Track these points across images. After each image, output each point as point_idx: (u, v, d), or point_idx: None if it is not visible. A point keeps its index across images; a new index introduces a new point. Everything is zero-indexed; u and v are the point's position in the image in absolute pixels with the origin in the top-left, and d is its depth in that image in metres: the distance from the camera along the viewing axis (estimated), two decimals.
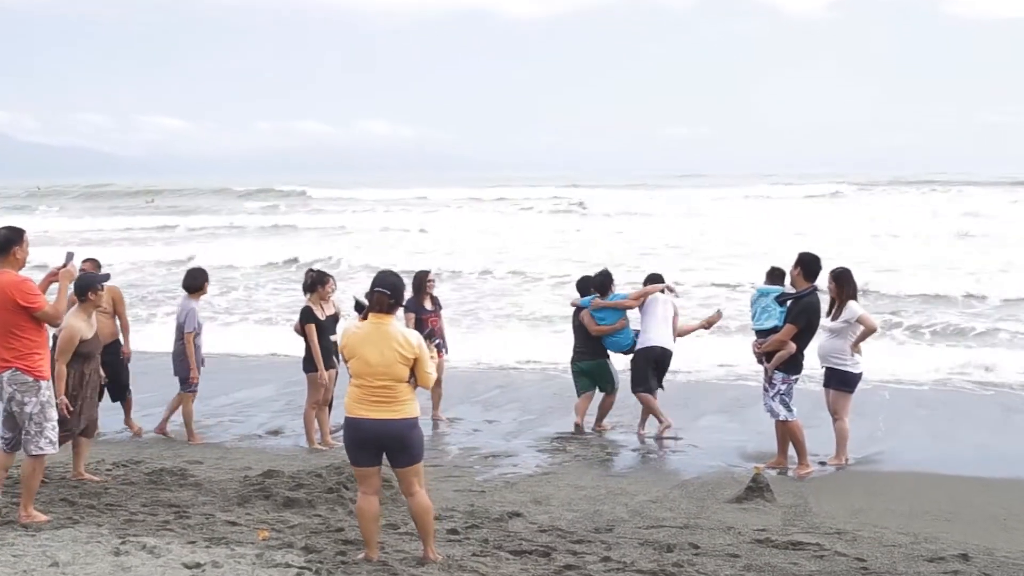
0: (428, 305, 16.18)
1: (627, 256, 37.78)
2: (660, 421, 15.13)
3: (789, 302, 13.09)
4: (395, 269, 9.18)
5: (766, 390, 13.26)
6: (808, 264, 13.04)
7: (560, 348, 18.20)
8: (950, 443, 14.73)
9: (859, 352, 13.38)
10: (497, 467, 13.36)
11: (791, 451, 13.21)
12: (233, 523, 9.90)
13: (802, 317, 12.86)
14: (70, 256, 10.26)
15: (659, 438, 14.98)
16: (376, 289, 8.54)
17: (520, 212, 67.11)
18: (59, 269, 10.06)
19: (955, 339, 22.78)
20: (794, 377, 13.10)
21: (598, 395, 15.77)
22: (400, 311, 9.15)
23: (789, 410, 13.08)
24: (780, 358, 12.95)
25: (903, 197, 70.76)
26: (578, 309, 15.64)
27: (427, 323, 15.60)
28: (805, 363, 13.29)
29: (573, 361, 15.74)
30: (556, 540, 9.64)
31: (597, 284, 15.47)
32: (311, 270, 14.92)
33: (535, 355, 21.56)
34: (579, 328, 15.56)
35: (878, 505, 11.37)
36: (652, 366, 15.22)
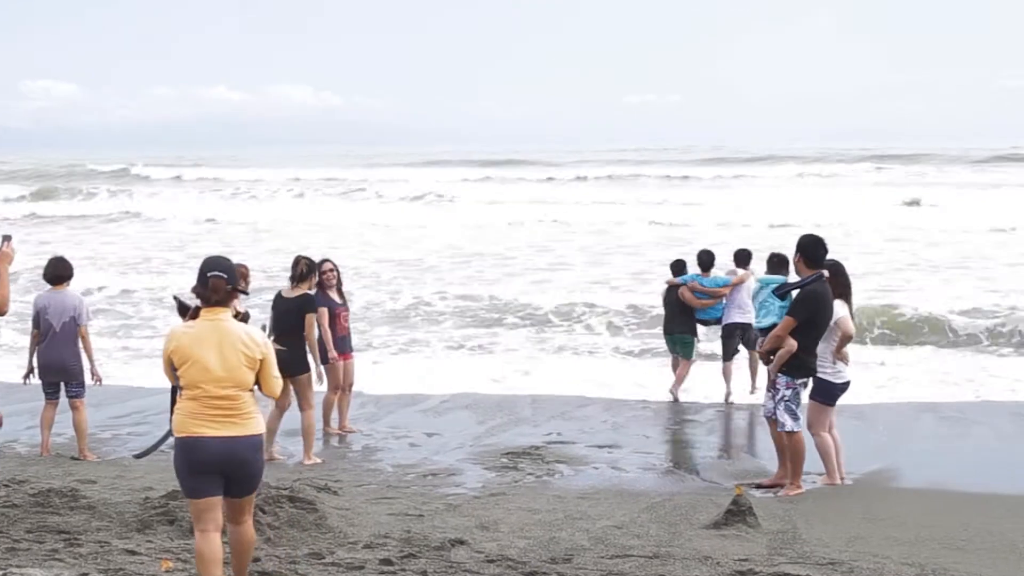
0: (337, 299, 16.12)
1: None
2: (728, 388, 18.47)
3: (793, 293, 12.93)
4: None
5: (771, 396, 13.16)
6: (808, 249, 12.85)
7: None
8: (961, 457, 14.86)
9: (844, 359, 13.28)
10: (438, 487, 13.28)
11: (802, 466, 13.10)
12: (132, 552, 9.78)
13: (801, 309, 12.64)
14: (7, 238, 10.32)
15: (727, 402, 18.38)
16: (210, 273, 8.10)
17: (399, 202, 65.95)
18: None
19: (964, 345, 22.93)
20: (800, 381, 12.90)
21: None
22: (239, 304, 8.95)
23: (796, 419, 12.96)
24: (780, 358, 12.80)
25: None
26: (674, 286, 19.09)
27: (340, 319, 15.93)
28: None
29: (665, 332, 19.41)
30: (506, 571, 9.58)
31: (701, 263, 19.04)
32: (303, 259, 15.22)
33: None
34: (672, 303, 19.09)
35: (878, 531, 11.37)
36: (736, 338, 18.74)
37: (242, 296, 12.83)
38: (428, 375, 20.58)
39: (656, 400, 18.53)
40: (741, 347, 19.01)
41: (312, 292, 15.17)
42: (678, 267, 19.41)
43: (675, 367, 19.18)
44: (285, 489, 11.17)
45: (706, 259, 19.06)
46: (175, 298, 8.54)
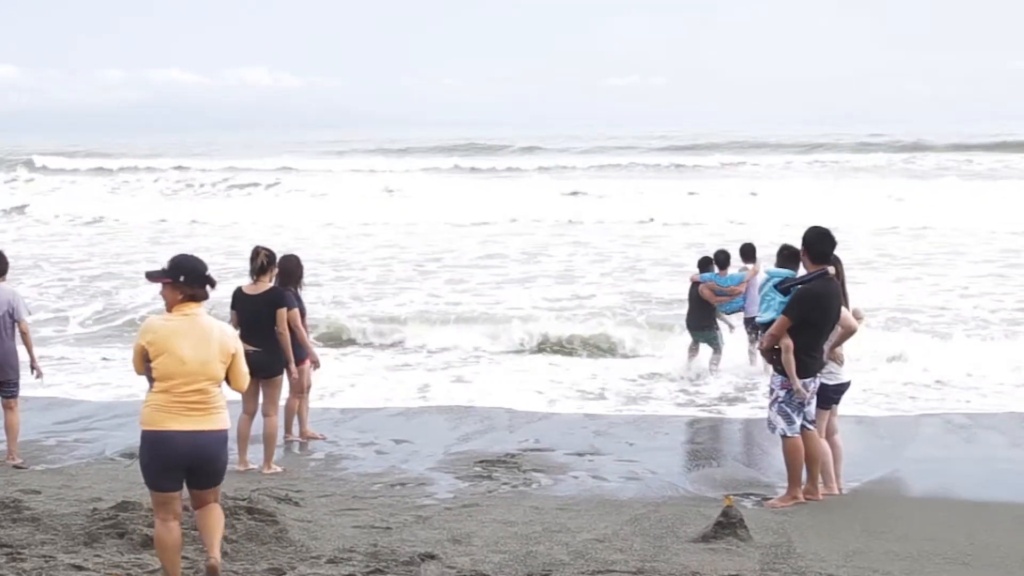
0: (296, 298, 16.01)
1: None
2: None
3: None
4: None
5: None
6: (812, 243, 12.80)
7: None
8: (968, 464, 14.92)
9: (838, 359, 13.27)
10: (407, 497, 13.26)
11: (799, 475, 13.09)
12: (79, 567, 9.75)
13: (795, 308, 12.61)
14: None
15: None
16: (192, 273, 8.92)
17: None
18: None
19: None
20: (799, 381, 12.88)
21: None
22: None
23: (790, 423, 12.93)
24: (788, 363, 12.74)
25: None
26: (696, 283, 21.10)
27: (303, 318, 15.83)
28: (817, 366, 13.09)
29: (689, 327, 21.31)
30: None
31: (718, 262, 21.13)
32: (263, 249, 15.15)
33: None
34: (695, 299, 21.10)
35: (878, 545, 11.40)
36: (752, 331, 20.12)
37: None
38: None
39: (640, 407, 18.56)
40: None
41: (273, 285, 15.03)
42: (704, 264, 21.46)
43: (691, 351, 21.30)
44: (243, 500, 11.15)
45: (723, 258, 21.15)
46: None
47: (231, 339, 8.95)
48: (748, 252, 21.29)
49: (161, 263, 9.44)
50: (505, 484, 13.94)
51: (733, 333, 21.45)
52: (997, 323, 24.34)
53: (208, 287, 8.96)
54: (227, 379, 8.98)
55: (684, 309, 21.58)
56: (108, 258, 39.47)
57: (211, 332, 8.81)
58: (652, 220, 48.27)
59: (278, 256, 15.31)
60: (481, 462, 14.95)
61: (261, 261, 14.80)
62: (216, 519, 9.08)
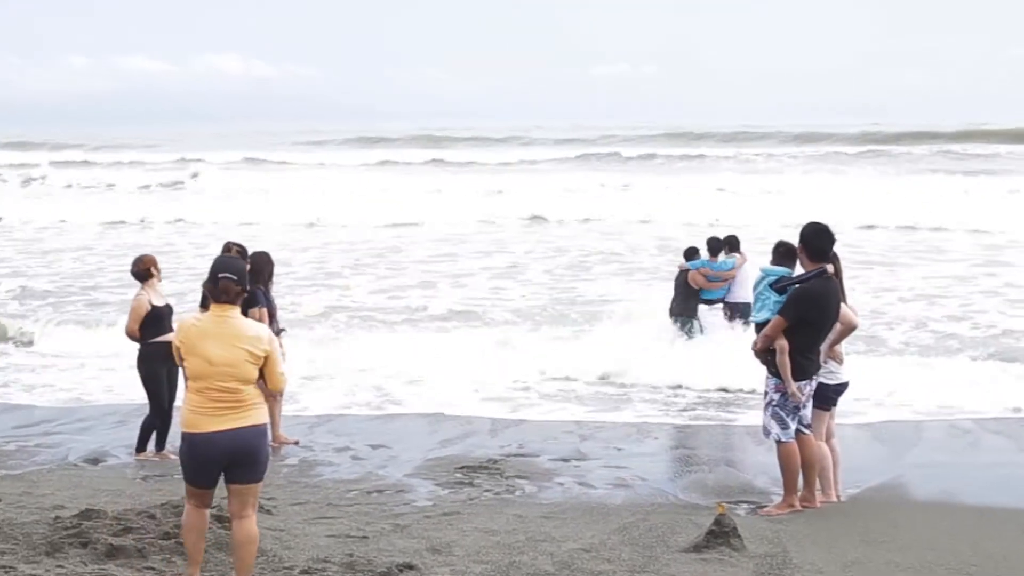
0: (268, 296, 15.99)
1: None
2: None
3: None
4: None
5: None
6: (809, 239, 12.81)
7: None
8: (972, 469, 14.95)
9: (837, 358, 13.27)
10: (384, 505, 13.25)
11: (794, 482, 13.07)
12: None
13: (791, 309, 12.60)
14: None
15: None
16: (220, 276, 9.31)
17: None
18: None
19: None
20: (795, 385, 12.85)
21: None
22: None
23: (785, 427, 12.92)
24: (783, 365, 12.72)
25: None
26: (684, 271, 22.72)
27: (276, 319, 15.89)
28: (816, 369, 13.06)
29: (671, 313, 22.69)
30: None
31: (711, 248, 22.81)
32: (234, 245, 15.39)
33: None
34: (681, 286, 22.76)
35: (878, 555, 11.41)
36: (739, 316, 21.87)
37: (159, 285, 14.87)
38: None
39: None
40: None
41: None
42: (690, 253, 23.11)
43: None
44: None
45: (715, 245, 22.89)
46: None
47: (262, 341, 9.31)
48: (734, 244, 22.94)
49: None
50: (487, 491, 13.94)
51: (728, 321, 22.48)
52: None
53: (221, 287, 9.32)
54: (265, 379, 9.41)
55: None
56: None
57: (241, 333, 9.26)
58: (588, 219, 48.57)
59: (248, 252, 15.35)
60: (462, 468, 14.94)
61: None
62: (247, 539, 9.46)
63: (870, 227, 42.61)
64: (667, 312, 22.98)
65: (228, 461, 9.26)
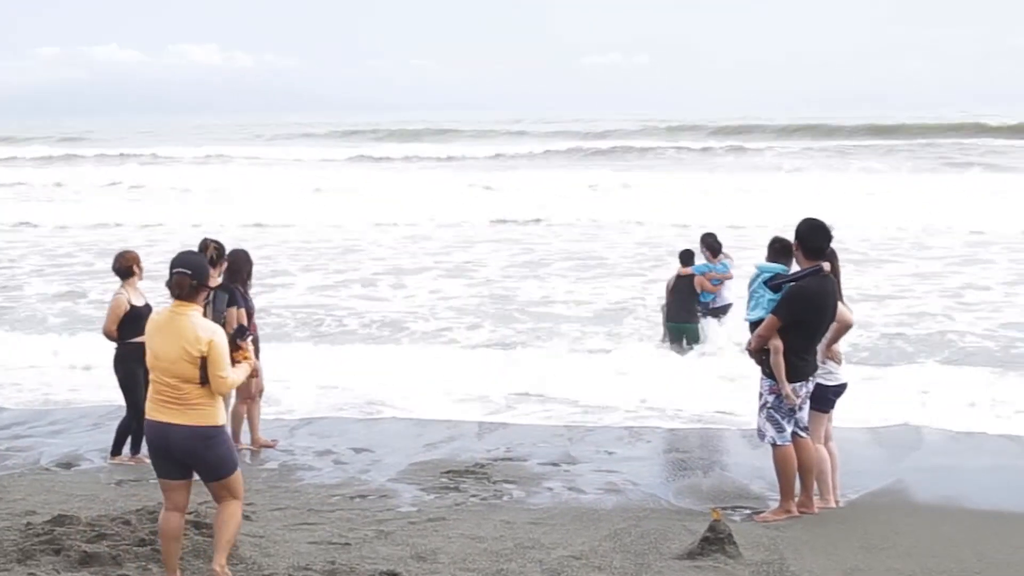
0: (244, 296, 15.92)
1: None
2: None
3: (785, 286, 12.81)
4: None
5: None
6: (806, 236, 12.77)
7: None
8: (976, 473, 14.95)
9: (836, 358, 13.25)
10: (367, 511, 13.24)
11: (791, 486, 13.06)
12: None
13: (784, 308, 12.57)
14: None
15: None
16: (175, 270, 9.64)
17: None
18: None
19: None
20: (789, 386, 12.84)
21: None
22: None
23: (780, 430, 12.90)
24: (777, 366, 12.69)
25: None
26: (685, 276, 22.69)
27: (252, 319, 15.84)
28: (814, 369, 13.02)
29: (672, 320, 22.84)
30: None
31: (711, 248, 22.83)
32: (212, 242, 15.32)
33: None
34: (682, 291, 22.67)
35: (878, 562, 11.43)
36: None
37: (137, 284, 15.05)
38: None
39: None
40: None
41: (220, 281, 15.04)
42: (687, 257, 23.09)
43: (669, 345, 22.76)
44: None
45: (715, 244, 22.92)
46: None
47: (203, 342, 9.48)
48: (715, 245, 22.94)
49: None
50: (474, 496, 13.93)
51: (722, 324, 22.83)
52: None
53: (174, 281, 9.63)
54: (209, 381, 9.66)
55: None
56: None
57: (183, 331, 9.52)
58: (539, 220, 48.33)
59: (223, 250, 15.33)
60: (448, 472, 14.93)
61: (211, 255, 14.75)
62: (227, 517, 9.86)
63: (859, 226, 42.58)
64: (666, 320, 23.13)
65: (164, 454, 9.70)
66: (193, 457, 9.65)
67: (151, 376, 9.70)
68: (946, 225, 41.96)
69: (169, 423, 9.55)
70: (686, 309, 22.83)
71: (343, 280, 33.16)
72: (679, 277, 22.96)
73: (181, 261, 9.66)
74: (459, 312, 27.72)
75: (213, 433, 9.69)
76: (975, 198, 49.51)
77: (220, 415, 9.79)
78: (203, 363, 9.51)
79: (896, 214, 44.80)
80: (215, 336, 9.61)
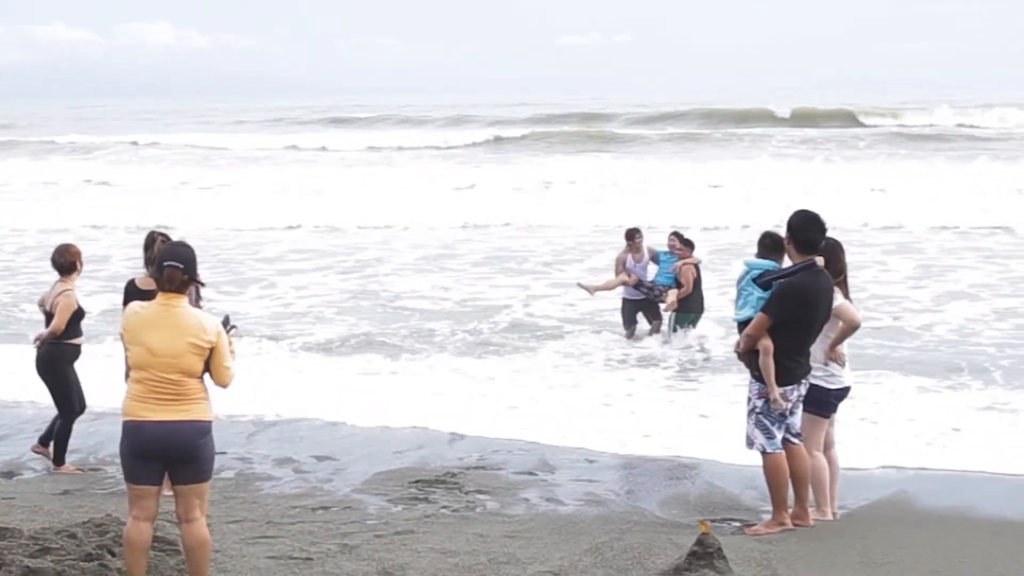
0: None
1: None
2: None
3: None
4: None
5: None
6: (798, 229, 12.69)
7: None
8: (983, 481, 14.97)
9: (839, 360, 13.23)
10: (331, 523, 13.23)
11: (784, 497, 13.05)
12: None
13: (775, 306, 12.50)
14: None
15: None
16: (166, 263, 9.75)
17: None
18: None
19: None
20: (780, 390, 12.80)
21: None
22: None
23: (770, 437, 12.87)
24: (767, 368, 12.64)
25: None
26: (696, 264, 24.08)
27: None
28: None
29: (689, 308, 23.86)
30: None
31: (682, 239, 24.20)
32: (159, 235, 15.06)
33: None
34: (698, 281, 23.92)
35: None
36: None
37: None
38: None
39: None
40: None
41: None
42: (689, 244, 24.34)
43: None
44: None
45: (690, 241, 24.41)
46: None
47: (210, 332, 9.72)
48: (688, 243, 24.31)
49: None
50: (444, 508, 13.93)
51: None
52: None
53: (166, 275, 9.76)
54: (211, 372, 9.89)
55: None
56: None
57: (186, 323, 9.67)
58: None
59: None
60: (417, 482, 14.93)
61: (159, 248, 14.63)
62: (196, 543, 9.89)
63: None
64: (676, 310, 23.96)
65: (164, 455, 9.66)
66: (190, 454, 9.72)
67: (140, 375, 9.67)
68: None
69: (172, 421, 9.63)
70: (698, 299, 24.15)
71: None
72: (693, 266, 24.08)
73: (172, 255, 9.83)
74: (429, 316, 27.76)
75: (209, 428, 9.90)
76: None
77: (212, 409, 9.99)
78: (209, 355, 9.74)
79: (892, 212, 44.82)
80: (219, 326, 9.89)
